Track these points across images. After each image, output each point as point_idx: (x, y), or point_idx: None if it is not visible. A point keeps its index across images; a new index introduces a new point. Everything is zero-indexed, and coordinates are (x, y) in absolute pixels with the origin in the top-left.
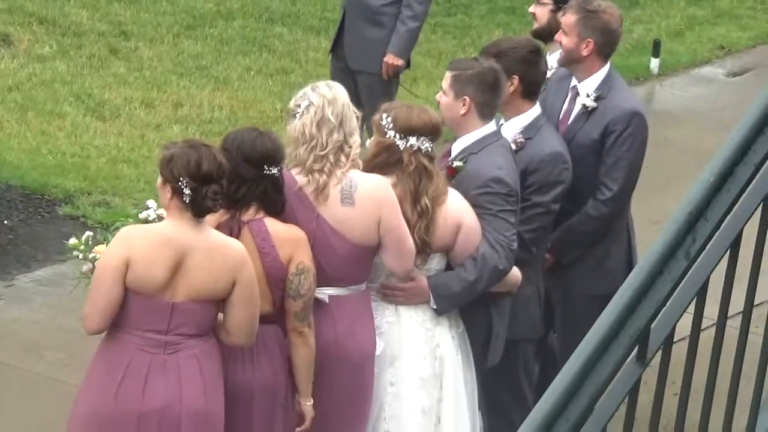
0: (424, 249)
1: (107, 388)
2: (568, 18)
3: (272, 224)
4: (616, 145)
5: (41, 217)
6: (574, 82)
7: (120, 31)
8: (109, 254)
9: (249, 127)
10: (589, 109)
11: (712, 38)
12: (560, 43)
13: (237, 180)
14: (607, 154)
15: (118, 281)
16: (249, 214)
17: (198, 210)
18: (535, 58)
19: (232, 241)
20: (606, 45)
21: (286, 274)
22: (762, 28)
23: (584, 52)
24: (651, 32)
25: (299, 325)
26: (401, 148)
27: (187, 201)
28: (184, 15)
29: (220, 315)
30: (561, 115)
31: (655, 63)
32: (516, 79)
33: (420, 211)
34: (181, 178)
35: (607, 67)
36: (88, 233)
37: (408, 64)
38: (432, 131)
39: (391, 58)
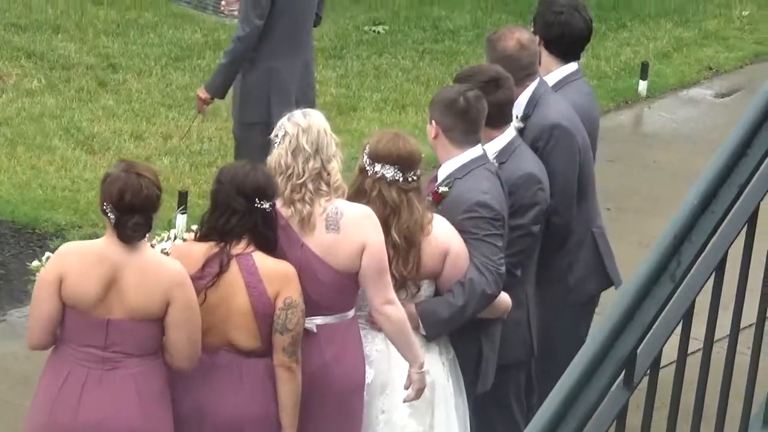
0: (403, 283)
1: (45, 401)
2: None
3: (261, 259)
4: (543, 161)
5: (32, 252)
6: None
7: (108, 64)
8: (45, 271)
9: (244, 161)
10: (518, 130)
11: (699, 59)
12: None
13: (227, 212)
14: None
15: (53, 296)
16: (239, 247)
17: (121, 236)
18: (491, 87)
19: (168, 261)
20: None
21: (273, 310)
22: (749, 48)
23: None
24: (639, 54)
25: (287, 360)
26: (368, 174)
27: (113, 224)
28: (171, 47)
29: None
30: None
31: (643, 85)
32: None
33: (393, 244)
34: (104, 203)
35: (533, 85)
36: (48, 254)
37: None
38: (398, 161)
39: (200, 91)
